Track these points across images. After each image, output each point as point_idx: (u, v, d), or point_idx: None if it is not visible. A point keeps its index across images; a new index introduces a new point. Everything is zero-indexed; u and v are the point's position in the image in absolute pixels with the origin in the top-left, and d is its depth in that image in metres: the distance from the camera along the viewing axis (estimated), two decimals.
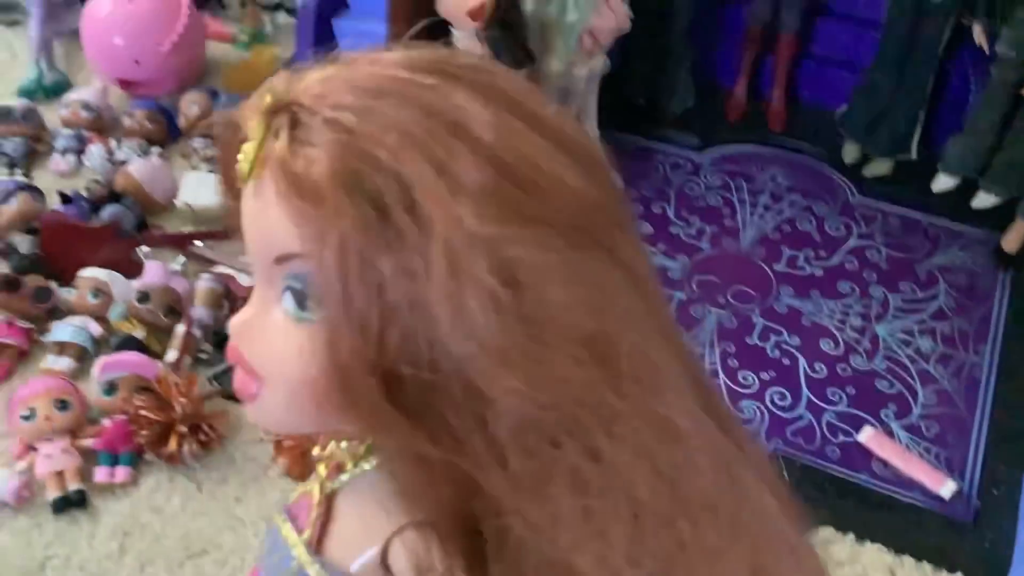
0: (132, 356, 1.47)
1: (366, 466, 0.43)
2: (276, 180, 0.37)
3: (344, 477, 0.44)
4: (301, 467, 1.32)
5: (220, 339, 1.58)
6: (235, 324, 0.41)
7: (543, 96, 0.42)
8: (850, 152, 1.86)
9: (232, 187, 0.41)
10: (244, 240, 0.41)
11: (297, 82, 0.39)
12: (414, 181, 0.35)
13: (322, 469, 0.44)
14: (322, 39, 1.58)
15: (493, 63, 0.42)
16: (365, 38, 1.50)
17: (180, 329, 1.54)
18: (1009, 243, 1.65)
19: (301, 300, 0.38)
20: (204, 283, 1.62)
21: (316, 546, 0.44)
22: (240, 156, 0.39)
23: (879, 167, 1.83)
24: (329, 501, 0.45)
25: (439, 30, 1.31)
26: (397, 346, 0.35)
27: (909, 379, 1.48)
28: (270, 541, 0.46)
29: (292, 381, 0.39)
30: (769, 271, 1.67)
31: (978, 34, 1.64)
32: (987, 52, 1.65)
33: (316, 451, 0.45)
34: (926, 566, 1.24)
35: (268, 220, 0.38)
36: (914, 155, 1.79)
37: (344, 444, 0.44)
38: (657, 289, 0.44)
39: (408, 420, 0.36)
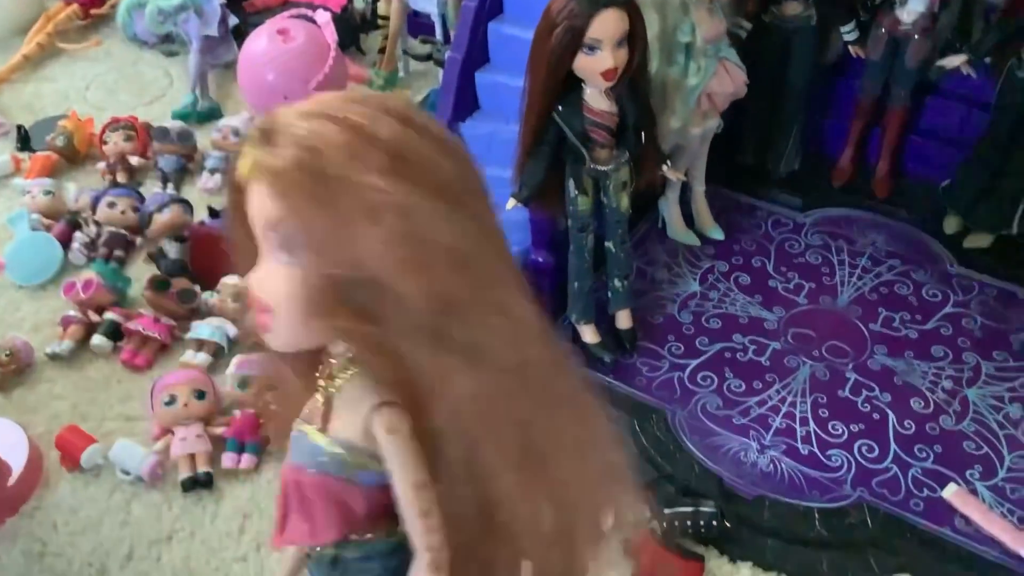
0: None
1: (348, 374, 0.62)
2: (260, 175, 0.58)
3: (337, 383, 0.63)
4: None
5: None
6: (252, 279, 0.61)
7: (428, 115, 0.64)
8: (951, 224, 1.91)
9: (238, 191, 0.61)
10: (254, 218, 0.60)
11: (279, 114, 0.60)
12: (339, 164, 0.56)
13: (322, 383, 0.63)
14: (463, 89, 1.72)
15: (396, 96, 0.66)
16: (504, 90, 1.65)
17: None
18: None
19: (285, 250, 0.58)
20: None
21: (323, 429, 0.64)
22: (240, 164, 0.60)
23: (979, 240, 1.87)
24: (329, 402, 0.64)
25: (571, 83, 1.43)
26: (343, 270, 0.57)
27: (996, 443, 1.51)
28: (292, 443, 0.65)
29: (287, 304, 0.59)
30: (864, 330, 1.72)
31: None
32: None
33: (319, 373, 0.64)
34: None
35: (261, 202, 0.58)
36: (1015, 230, 1.83)
37: (333, 361, 0.63)
38: (498, 229, 0.66)
39: (354, 317, 0.58)
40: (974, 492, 1.44)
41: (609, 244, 1.64)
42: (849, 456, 1.50)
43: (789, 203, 2.01)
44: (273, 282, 0.59)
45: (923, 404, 1.58)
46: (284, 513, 0.65)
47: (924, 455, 1.50)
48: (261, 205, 0.58)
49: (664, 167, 1.59)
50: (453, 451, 0.61)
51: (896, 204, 1.98)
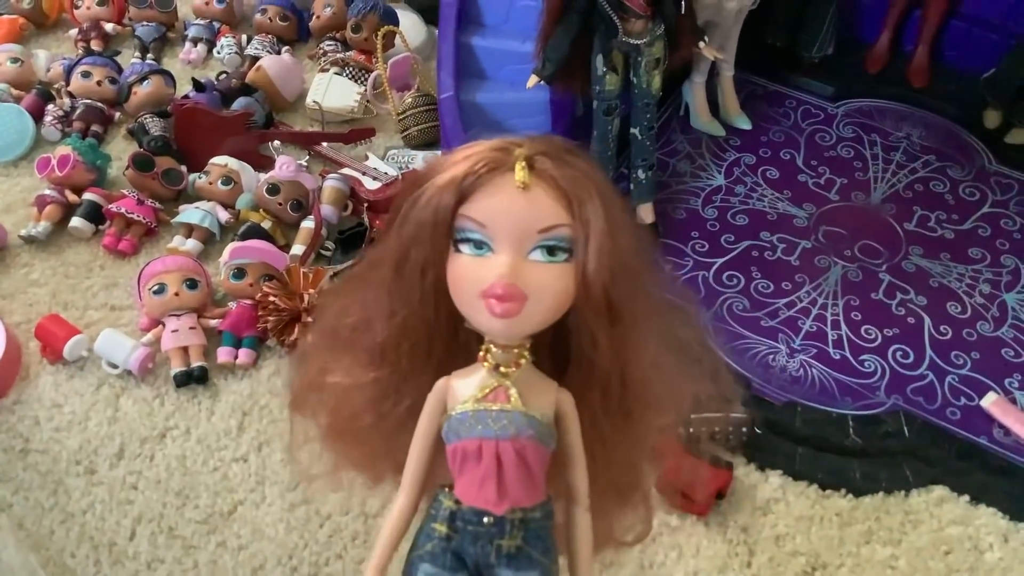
0: (262, 244, 1.50)
1: (525, 360, 0.69)
2: (547, 185, 0.65)
3: (520, 369, 0.69)
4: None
5: (344, 238, 1.59)
6: (508, 269, 0.64)
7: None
8: (992, 118, 1.79)
9: (483, 182, 0.65)
10: (498, 216, 0.64)
11: (527, 143, 0.67)
12: (605, 182, 0.68)
13: (503, 369, 0.69)
14: None
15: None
16: None
17: (308, 224, 1.56)
18: None
19: (553, 251, 0.64)
20: (331, 182, 1.63)
21: (526, 405, 0.70)
22: (517, 170, 0.64)
23: (1021, 136, 1.76)
24: (514, 383, 0.70)
25: None
26: (616, 266, 0.66)
27: None
28: (474, 419, 0.69)
29: (555, 296, 0.65)
30: (899, 229, 1.62)
31: None
32: None
33: (491, 360, 0.69)
34: None
35: (538, 207, 0.64)
36: None
37: (512, 351, 0.68)
38: None
39: (611, 307, 0.67)
40: (1013, 401, 1.37)
41: (635, 130, 1.51)
42: (883, 362, 1.42)
43: (820, 91, 1.88)
44: (542, 276, 0.65)
45: (960, 308, 1.50)
46: (499, 480, 0.69)
47: (961, 362, 1.43)
48: (538, 210, 0.64)
49: (701, 43, 1.45)
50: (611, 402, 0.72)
51: (933, 95, 1.85)
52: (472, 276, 0.65)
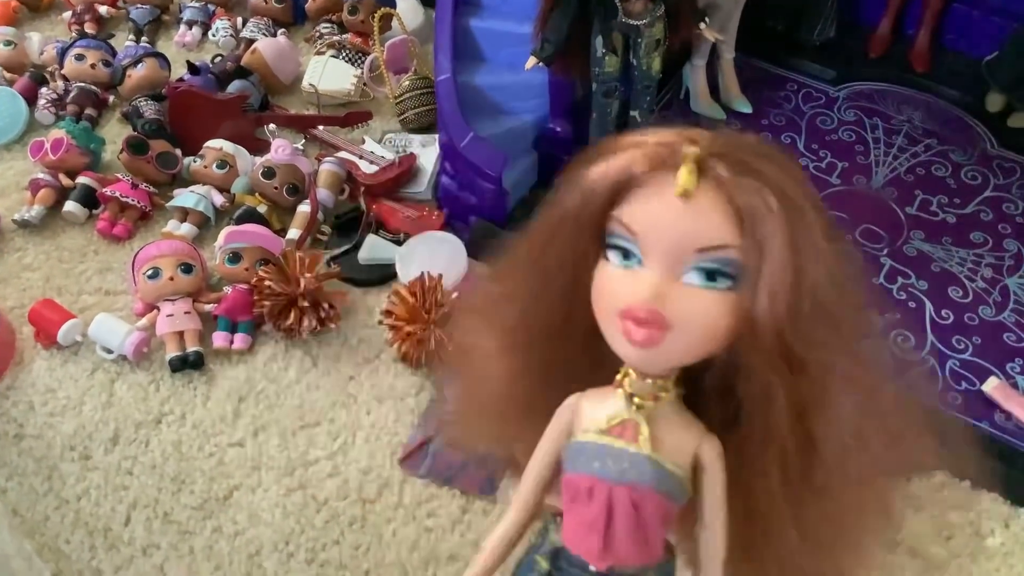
0: (258, 228, 1.48)
1: (668, 394, 0.59)
2: (717, 195, 0.53)
3: (657, 404, 0.60)
4: (417, 354, 1.32)
5: (340, 222, 1.58)
6: (653, 291, 0.54)
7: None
8: (994, 102, 1.78)
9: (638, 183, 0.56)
10: (652, 225, 0.55)
11: (703, 140, 0.56)
12: (800, 199, 0.54)
13: (637, 400, 0.59)
14: None
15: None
16: None
17: (304, 208, 1.54)
18: None
19: (712, 276, 0.54)
20: (327, 166, 1.61)
21: (656, 450, 0.60)
22: (682, 173, 0.53)
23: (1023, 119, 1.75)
24: (647, 421, 0.60)
25: None
26: (792, 302, 0.53)
27: None
28: (594, 453, 0.60)
29: (701, 328, 0.55)
30: (900, 213, 1.61)
31: None
32: None
33: (627, 388, 0.60)
34: None
35: (701, 220, 0.53)
36: None
37: (650, 382, 0.59)
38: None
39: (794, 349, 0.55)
40: (1015, 386, 1.36)
41: (635, 113, 1.50)
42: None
43: (822, 75, 1.86)
44: (694, 304, 0.54)
45: (962, 293, 1.49)
46: (607, 530, 0.59)
47: (962, 346, 1.42)
48: (702, 225, 0.53)
49: (702, 25, 1.43)
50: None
51: (935, 79, 1.84)
52: (613, 290, 0.57)
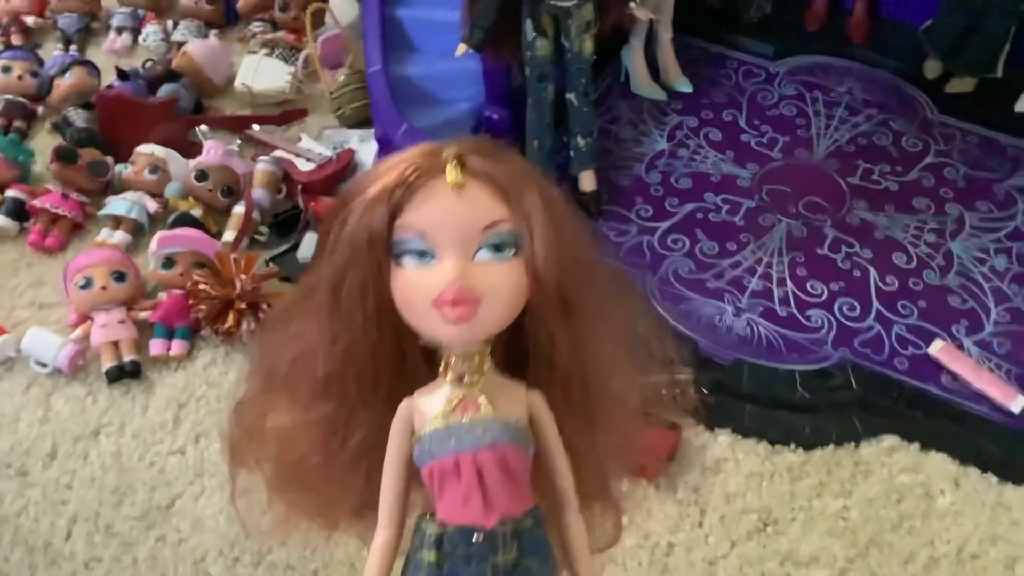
0: (192, 232, 1.45)
1: (488, 366, 0.66)
2: (482, 183, 0.62)
3: (484, 376, 0.66)
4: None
5: (278, 221, 1.55)
6: (457, 273, 0.61)
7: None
8: (932, 68, 1.78)
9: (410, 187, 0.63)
10: (437, 221, 0.62)
11: (455, 143, 0.64)
12: (537, 175, 0.66)
13: (467, 379, 0.65)
14: None
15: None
16: None
17: (239, 209, 1.52)
18: None
19: (500, 248, 0.62)
20: (263, 166, 1.59)
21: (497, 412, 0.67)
22: (449, 171, 0.62)
23: (961, 85, 1.75)
24: (481, 391, 0.67)
25: None
26: (564, 257, 0.63)
27: (982, 296, 1.43)
28: (446, 435, 0.66)
29: (509, 293, 0.63)
30: (843, 183, 1.61)
31: None
32: None
33: (454, 371, 0.65)
34: (991, 477, 1.21)
35: (477, 205, 0.62)
36: (999, 74, 1.71)
37: (476, 359, 0.65)
38: None
39: (563, 300, 0.65)
40: (960, 347, 1.36)
41: (571, 96, 1.48)
42: (829, 316, 1.41)
43: (761, 51, 1.86)
44: (493, 275, 0.62)
45: (906, 259, 1.49)
46: (483, 492, 0.65)
47: (908, 312, 1.41)
48: (477, 208, 0.62)
49: (632, 4, 1.42)
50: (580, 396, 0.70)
51: (873, 49, 1.84)
52: (420, 287, 0.62)
